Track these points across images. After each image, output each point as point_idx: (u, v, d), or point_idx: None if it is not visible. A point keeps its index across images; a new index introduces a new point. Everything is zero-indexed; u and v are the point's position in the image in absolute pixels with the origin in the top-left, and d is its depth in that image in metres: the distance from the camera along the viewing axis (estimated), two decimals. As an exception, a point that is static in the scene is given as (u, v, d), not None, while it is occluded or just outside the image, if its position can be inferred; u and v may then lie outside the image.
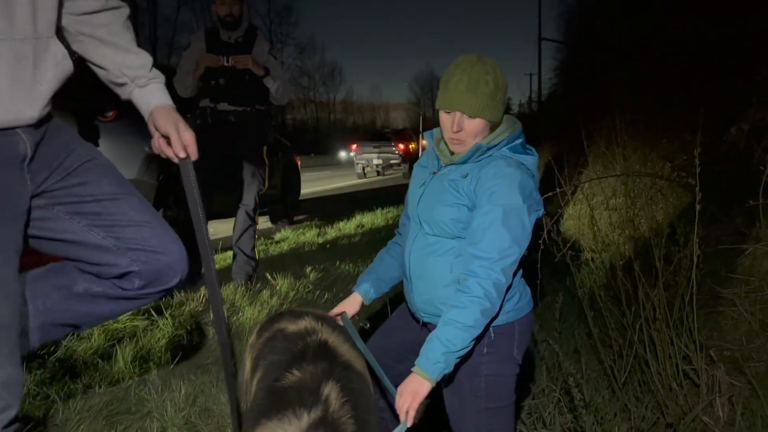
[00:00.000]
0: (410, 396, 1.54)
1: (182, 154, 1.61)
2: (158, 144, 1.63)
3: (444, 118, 1.75)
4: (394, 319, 2.07)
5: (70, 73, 1.50)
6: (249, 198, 4.17)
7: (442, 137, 1.85)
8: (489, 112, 1.70)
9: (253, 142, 4.18)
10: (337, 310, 2.02)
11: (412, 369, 1.58)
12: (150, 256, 1.64)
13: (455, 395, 1.75)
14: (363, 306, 2.05)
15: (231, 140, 4.06)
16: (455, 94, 1.69)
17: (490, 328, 1.71)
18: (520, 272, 1.82)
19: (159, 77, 1.66)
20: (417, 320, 1.91)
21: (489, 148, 1.72)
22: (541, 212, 1.73)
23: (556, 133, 10.01)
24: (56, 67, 1.44)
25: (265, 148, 4.29)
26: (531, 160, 1.75)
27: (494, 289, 1.58)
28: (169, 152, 1.63)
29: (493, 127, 1.77)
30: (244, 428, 1.54)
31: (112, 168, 1.64)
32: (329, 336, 1.75)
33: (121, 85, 1.64)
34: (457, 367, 1.65)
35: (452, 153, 1.82)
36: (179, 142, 1.59)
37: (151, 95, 1.63)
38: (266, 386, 1.58)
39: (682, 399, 2.45)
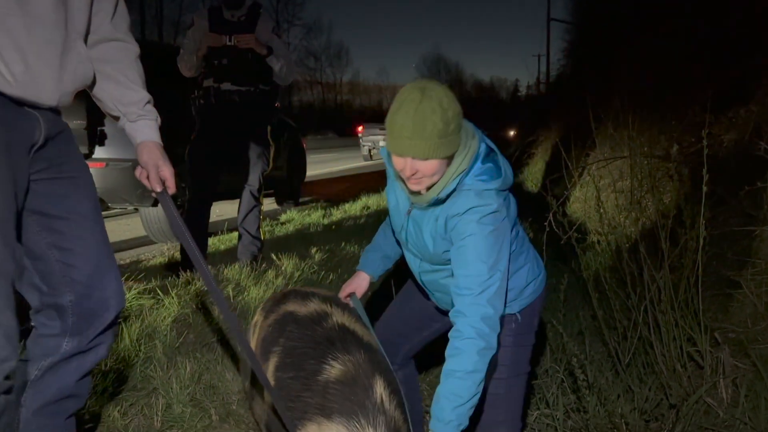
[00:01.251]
0: None
1: (158, 189, 1.71)
2: (140, 175, 1.74)
3: (396, 161, 1.63)
4: (411, 288, 2.08)
5: (89, 79, 1.58)
6: (253, 178, 4.15)
7: None
8: (441, 150, 1.56)
9: (257, 122, 4.15)
10: (346, 291, 2.02)
11: None
12: (87, 289, 1.62)
13: None
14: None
15: (235, 120, 4.03)
16: (401, 140, 1.55)
17: (516, 314, 1.76)
18: (534, 259, 1.86)
19: (150, 114, 1.73)
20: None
21: (450, 192, 1.64)
22: (509, 229, 1.67)
23: (564, 115, 9.93)
24: (79, 64, 1.50)
25: (269, 128, 4.28)
26: (494, 184, 1.65)
27: (485, 324, 1.54)
28: (147, 185, 1.73)
29: (451, 156, 1.64)
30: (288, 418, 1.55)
31: (93, 189, 1.69)
32: (343, 318, 1.76)
33: (115, 117, 1.73)
34: None
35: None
36: (156, 177, 1.70)
37: (139, 131, 1.71)
38: (300, 377, 1.59)
39: (686, 381, 2.45)
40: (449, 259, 1.69)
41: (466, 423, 1.52)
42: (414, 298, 2.07)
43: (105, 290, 1.65)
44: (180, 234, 1.64)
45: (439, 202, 1.65)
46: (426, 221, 1.71)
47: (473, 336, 1.52)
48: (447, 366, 1.54)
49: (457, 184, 1.64)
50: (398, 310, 2.12)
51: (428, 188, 1.66)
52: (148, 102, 1.71)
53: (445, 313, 1.94)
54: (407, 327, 2.05)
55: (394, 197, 1.84)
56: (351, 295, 2.01)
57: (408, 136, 1.53)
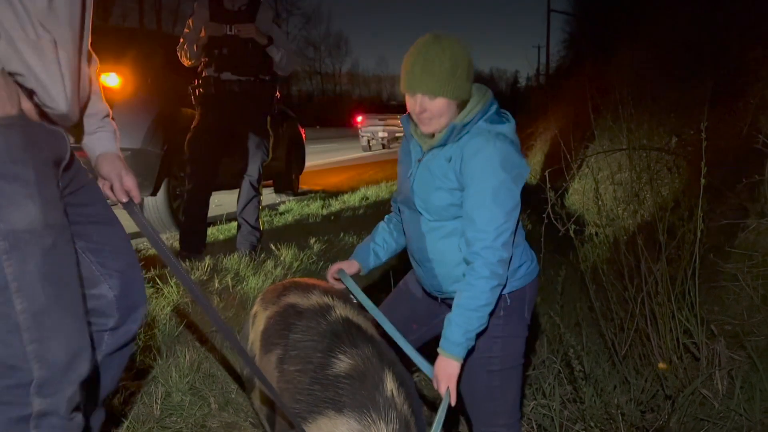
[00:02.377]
0: (445, 378, 1.65)
1: (124, 200, 1.69)
2: (103, 186, 1.71)
3: (408, 101, 1.74)
4: (400, 293, 2.09)
5: (86, 100, 1.57)
6: (253, 169, 4.15)
7: None
8: (449, 90, 1.67)
9: (256, 112, 4.15)
10: (334, 268, 2.04)
11: (438, 350, 1.67)
12: (125, 286, 1.68)
13: (469, 358, 1.78)
14: (362, 276, 2.07)
15: (235, 110, 4.03)
16: (412, 76, 1.68)
17: (506, 295, 1.77)
18: (526, 242, 1.87)
19: (108, 126, 1.71)
20: (434, 298, 1.96)
21: (464, 125, 1.72)
22: (527, 172, 1.75)
23: (563, 107, 9.92)
24: (85, 79, 1.50)
25: (269, 118, 4.27)
26: (508, 127, 1.75)
27: (499, 266, 1.64)
28: (113, 197, 1.72)
29: (462, 104, 1.75)
30: (295, 411, 1.56)
31: (101, 193, 1.70)
32: (346, 311, 1.78)
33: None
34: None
35: (430, 135, 1.81)
36: (121, 188, 1.68)
37: (98, 142, 1.69)
38: (308, 370, 1.61)
39: (682, 372, 2.47)
40: (449, 211, 1.74)
41: (473, 343, 1.67)
42: (400, 305, 2.09)
43: (138, 286, 1.72)
44: (153, 242, 1.63)
45: (455, 131, 1.71)
46: (437, 164, 1.75)
47: (488, 275, 1.62)
48: (462, 299, 1.64)
49: (471, 126, 1.72)
50: (389, 310, 2.12)
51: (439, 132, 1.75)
52: (106, 115, 1.70)
53: (432, 303, 1.97)
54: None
55: (407, 150, 1.92)
56: (339, 270, 2.02)
57: (418, 73, 1.66)
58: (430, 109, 1.70)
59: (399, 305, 2.07)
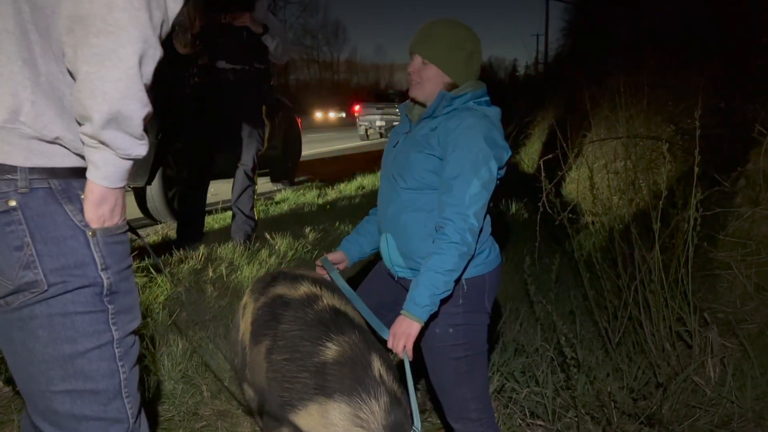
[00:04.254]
0: (403, 336, 1.67)
1: None
2: None
3: (410, 65, 1.88)
4: (370, 281, 2.12)
5: None
6: (247, 158, 4.13)
7: (414, 104, 1.93)
8: (443, 61, 1.80)
9: (251, 101, 4.11)
10: (320, 259, 2.07)
11: (401, 312, 1.69)
12: None
13: (434, 347, 1.82)
14: (360, 266, 2.08)
15: (229, 99, 4.00)
16: (416, 39, 1.84)
17: (462, 281, 1.79)
18: (489, 229, 1.89)
19: None
20: (392, 276, 1.96)
21: (453, 98, 1.80)
22: (508, 156, 1.80)
23: (561, 96, 9.89)
24: None
25: (264, 107, 4.25)
26: (494, 111, 1.83)
27: (469, 233, 1.68)
28: None
29: (452, 86, 1.84)
30: (285, 400, 1.57)
31: None
32: (333, 300, 1.78)
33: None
34: (434, 320, 1.74)
35: (422, 106, 1.89)
36: None
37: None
38: (296, 359, 1.61)
39: (675, 360, 2.48)
40: (423, 177, 1.78)
41: (435, 309, 1.70)
42: (370, 290, 2.08)
43: None
44: None
45: (444, 100, 1.80)
46: (422, 133, 1.82)
47: (458, 241, 1.67)
48: (431, 262, 1.68)
49: (460, 102, 1.80)
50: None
51: (424, 103, 1.87)
52: None
53: (396, 288, 1.96)
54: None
55: (396, 131, 2.00)
56: (323, 258, 2.06)
57: (422, 37, 1.83)
58: (422, 72, 1.83)
59: (369, 290, 2.07)
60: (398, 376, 1.65)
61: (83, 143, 1.09)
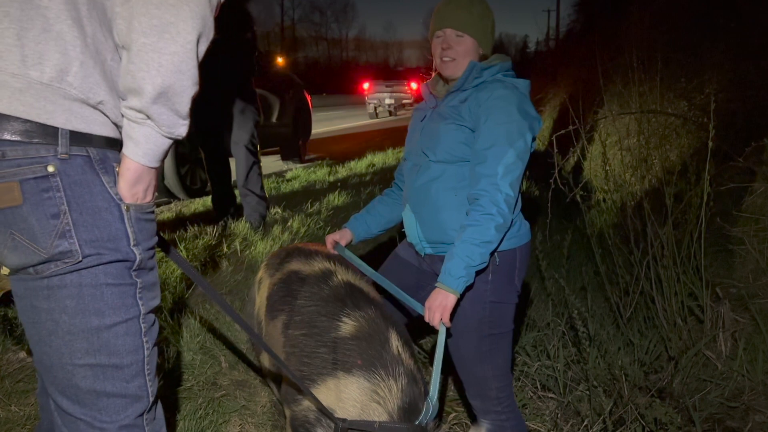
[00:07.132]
0: (440, 309, 1.66)
1: None
2: None
3: (435, 44, 1.84)
4: (390, 264, 2.10)
5: None
6: (242, 133, 3.93)
7: (438, 78, 1.91)
8: (476, 31, 1.79)
9: (239, 72, 3.93)
10: (329, 240, 2.06)
11: (436, 285, 1.67)
12: None
13: (459, 322, 1.80)
14: (360, 243, 2.09)
15: (215, 73, 3.71)
16: (444, 14, 1.80)
17: (495, 254, 1.76)
18: (520, 204, 1.86)
19: None
20: (418, 253, 1.94)
21: (483, 69, 1.78)
22: (540, 126, 1.78)
23: (573, 72, 9.79)
24: None
25: (252, 79, 4.06)
26: (524, 84, 1.80)
27: (505, 204, 1.66)
28: None
29: (483, 57, 1.84)
30: (303, 374, 1.58)
31: None
32: (348, 276, 1.80)
33: None
34: (462, 295, 1.71)
35: (446, 83, 1.87)
36: None
37: None
38: (314, 334, 1.63)
39: (686, 334, 2.50)
40: (454, 149, 1.76)
41: (471, 281, 1.68)
42: (390, 274, 2.06)
43: None
44: None
45: (474, 70, 1.78)
46: (451, 106, 1.80)
47: (494, 213, 1.65)
48: (466, 234, 1.65)
49: (489, 74, 1.78)
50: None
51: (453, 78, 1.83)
52: None
53: (419, 273, 1.97)
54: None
55: (421, 105, 1.99)
56: (336, 244, 2.05)
57: (451, 9, 1.79)
58: (456, 46, 1.80)
59: (389, 274, 2.05)
60: (414, 351, 1.66)
61: (125, 117, 1.08)
